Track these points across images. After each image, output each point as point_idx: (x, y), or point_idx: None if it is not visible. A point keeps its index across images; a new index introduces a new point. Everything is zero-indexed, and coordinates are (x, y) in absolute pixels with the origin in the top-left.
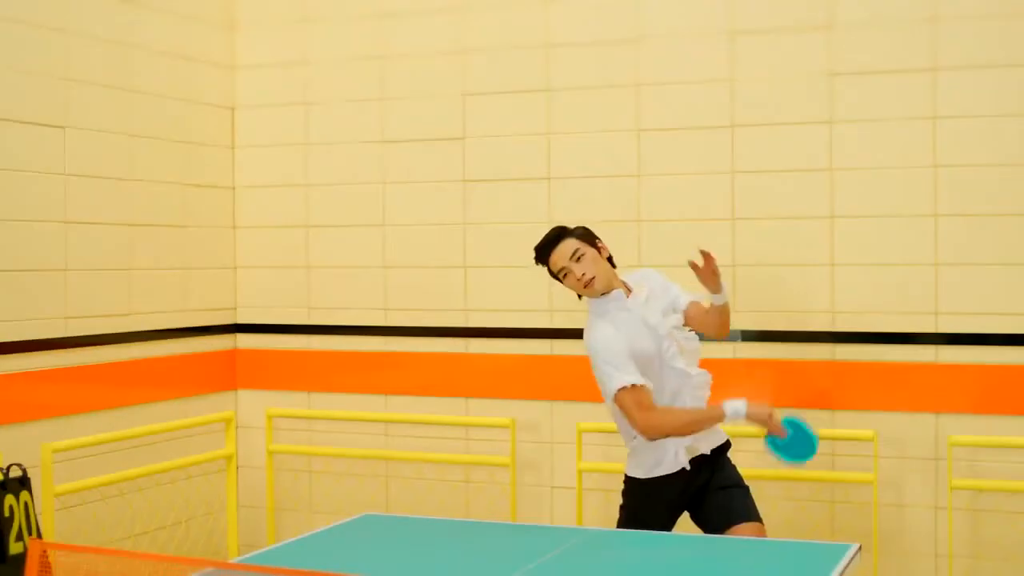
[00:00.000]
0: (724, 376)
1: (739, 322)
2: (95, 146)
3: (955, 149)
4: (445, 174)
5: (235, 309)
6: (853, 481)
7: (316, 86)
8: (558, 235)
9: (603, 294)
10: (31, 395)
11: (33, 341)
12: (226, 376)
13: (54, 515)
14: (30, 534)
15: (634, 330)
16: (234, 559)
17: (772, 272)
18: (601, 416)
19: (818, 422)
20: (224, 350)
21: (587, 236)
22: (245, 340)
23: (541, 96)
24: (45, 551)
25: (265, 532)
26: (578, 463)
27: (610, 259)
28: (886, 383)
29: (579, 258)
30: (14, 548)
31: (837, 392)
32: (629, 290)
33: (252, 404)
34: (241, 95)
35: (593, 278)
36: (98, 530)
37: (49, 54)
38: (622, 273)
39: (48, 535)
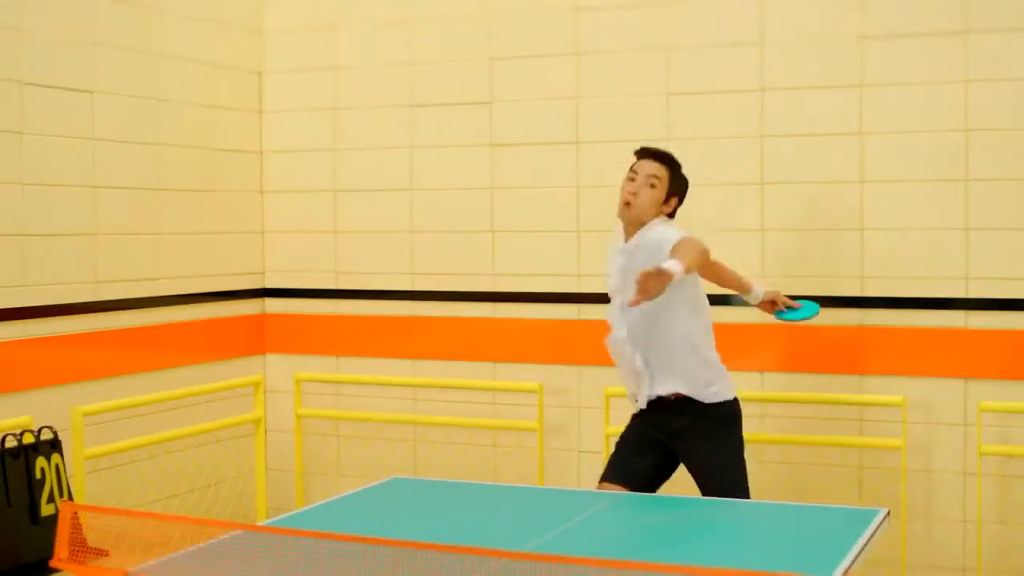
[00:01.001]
0: (751, 339)
1: (768, 286)
2: (123, 111)
3: (986, 113)
4: (473, 138)
5: (263, 274)
6: (882, 447)
7: (344, 50)
8: (668, 159)
9: (629, 227)
10: (61, 359)
11: (63, 305)
12: (254, 340)
13: (85, 478)
14: (61, 496)
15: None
16: (263, 522)
17: (801, 236)
18: None
19: (847, 387)
20: (252, 314)
21: (676, 184)
22: (273, 305)
23: (570, 60)
24: (76, 513)
25: (294, 495)
26: (605, 427)
27: (671, 214)
28: (915, 348)
29: (651, 184)
30: (45, 510)
31: (866, 357)
32: None
33: (280, 368)
34: (269, 59)
35: (631, 204)
36: (128, 493)
37: (76, 19)
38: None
39: (79, 497)
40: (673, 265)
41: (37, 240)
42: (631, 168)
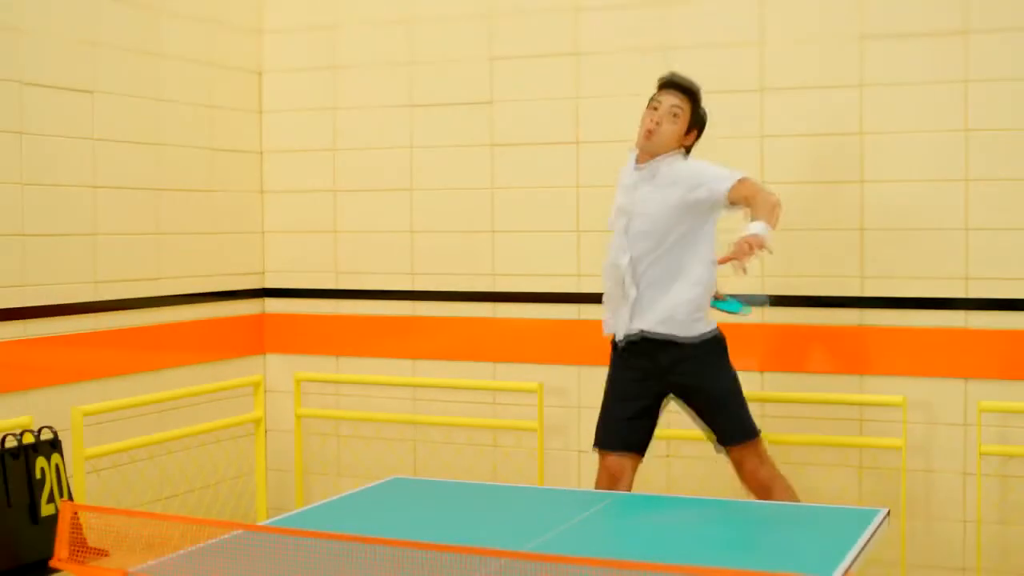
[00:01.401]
0: (751, 339)
1: (768, 286)
2: (123, 111)
3: (986, 113)
4: (473, 138)
5: (263, 274)
6: (882, 446)
7: (344, 50)
8: (690, 91)
9: (644, 156)
10: (61, 359)
11: (63, 305)
12: (254, 340)
13: (84, 478)
14: (61, 496)
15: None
16: (263, 522)
17: (801, 236)
18: None
19: (847, 387)
20: (252, 314)
21: (697, 118)
22: (273, 305)
23: (570, 60)
24: (76, 513)
25: (293, 495)
26: None
27: (688, 149)
28: (915, 348)
29: (674, 114)
30: (45, 510)
31: (866, 357)
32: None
33: (280, 368)
34: (268, 59)
35: (654, 133)
36: (128, 493)
37: (76, 19)
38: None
39: (79, 497)
40: (762, 229)
41: (37, 240)
42: (653, 98)
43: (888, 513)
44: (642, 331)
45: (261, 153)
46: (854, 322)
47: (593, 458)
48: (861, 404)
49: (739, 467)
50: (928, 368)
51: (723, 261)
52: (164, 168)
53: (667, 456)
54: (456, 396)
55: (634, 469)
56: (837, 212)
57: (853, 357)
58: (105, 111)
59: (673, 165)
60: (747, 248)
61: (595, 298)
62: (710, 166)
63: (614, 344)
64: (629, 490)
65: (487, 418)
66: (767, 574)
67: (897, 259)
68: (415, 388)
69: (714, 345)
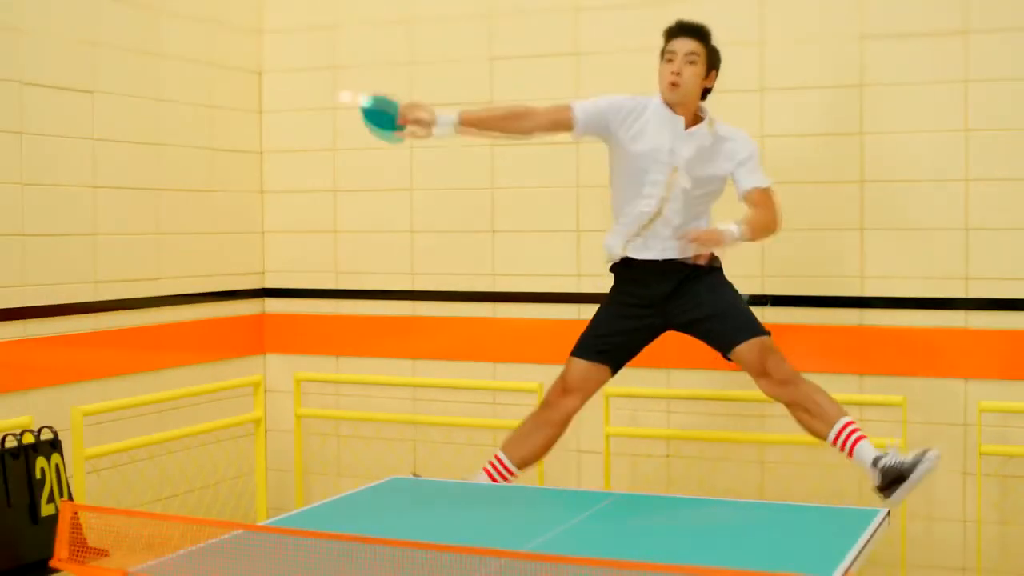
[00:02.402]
0: None
1: (768, 286)
2: (123, 111)
3: (986, 113)
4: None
5: (263, 274)
6: (882, 447)
7: (344, 49)
8: (701, 32)
9: (679, 108)
10: (62, 359)
11: (63, 305)
12: (254, 340)
13: (84, 478)
14: (61, 496)
15: (657, 136)
16: (263, 522)
17: (801, 236)
18: (629, 381)
19: (847, 387)
20: (252, 314)
21: (713, 57)
22: (273, 305)
23: (570, 60)
24: (76, 513)
25: (293, 495)
26: (605, 427)
27: (707, 92)
28: (915, 349)
29: (691, 61)
30: (45, 510)
31: (865, 357)
32: (700, 119)
33: (280, 368)
34: (268, 59)
35: (679, 84)
36: (128, 493)
37: (76, 19)
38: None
39: (79, 497)
40: (735, 234)
41: (37, 240)
42: (665, 50)
43: (888, 513)
44: (655, 260)
45: (261, 153)
46: (854, 322)
47: (592, 458)
48: (861, 404)
49: (762, 364)
50: (928, 368)
51: (689, 234)
52: (164, 168)
53: (667, 456)
54: (456, 396)
55: (597, 386)
56: (837, 212)
57: (853, 357)
58: (105, 111)
59: (737, 140)
60: (713, 240)
61: (595, 298)
62: (757, 159)
63: (616, 271)
64: (576, 410)
65: (487, 418)
66: (767, 574)
67: (897, 259)
68: (415, 388)
69: (713, 266)
